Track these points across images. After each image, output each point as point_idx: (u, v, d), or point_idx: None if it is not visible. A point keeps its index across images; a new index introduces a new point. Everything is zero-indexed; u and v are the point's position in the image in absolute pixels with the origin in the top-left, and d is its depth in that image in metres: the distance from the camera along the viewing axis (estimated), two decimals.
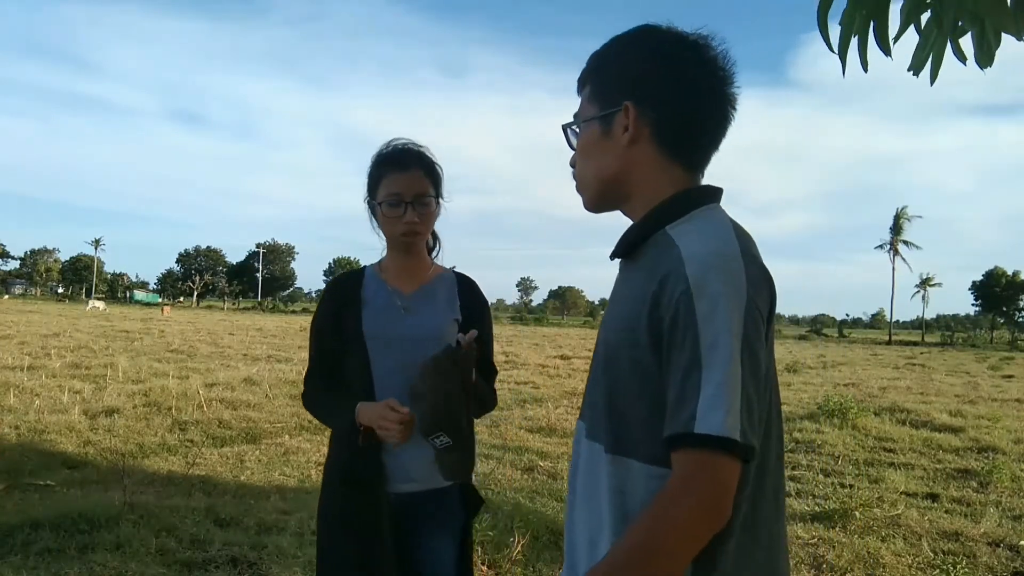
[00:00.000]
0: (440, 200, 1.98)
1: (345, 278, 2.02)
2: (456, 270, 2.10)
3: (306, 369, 2.01)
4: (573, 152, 1.23)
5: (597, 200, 1.20)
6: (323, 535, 1.91)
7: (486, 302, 2.08)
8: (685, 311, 0.98)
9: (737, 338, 0.96)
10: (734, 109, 1.15)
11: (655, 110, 1.11)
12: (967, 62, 1.70)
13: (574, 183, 1.23)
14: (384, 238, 2.00)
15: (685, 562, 0.96)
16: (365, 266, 2.04)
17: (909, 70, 1.74)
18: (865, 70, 1.70)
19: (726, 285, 0.98)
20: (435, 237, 2.08)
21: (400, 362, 1.85)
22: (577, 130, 1.22)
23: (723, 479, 0.94)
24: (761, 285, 1.03)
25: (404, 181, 1.89)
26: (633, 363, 1.05)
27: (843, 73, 1.72)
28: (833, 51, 1.65)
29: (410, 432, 1.72)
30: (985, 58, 1.68)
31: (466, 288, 2.04)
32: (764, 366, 1.00)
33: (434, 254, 2.08)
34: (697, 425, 0.94)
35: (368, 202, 1.98)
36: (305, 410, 2.04)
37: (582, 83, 1.21)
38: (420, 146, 1.97)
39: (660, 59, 1.12)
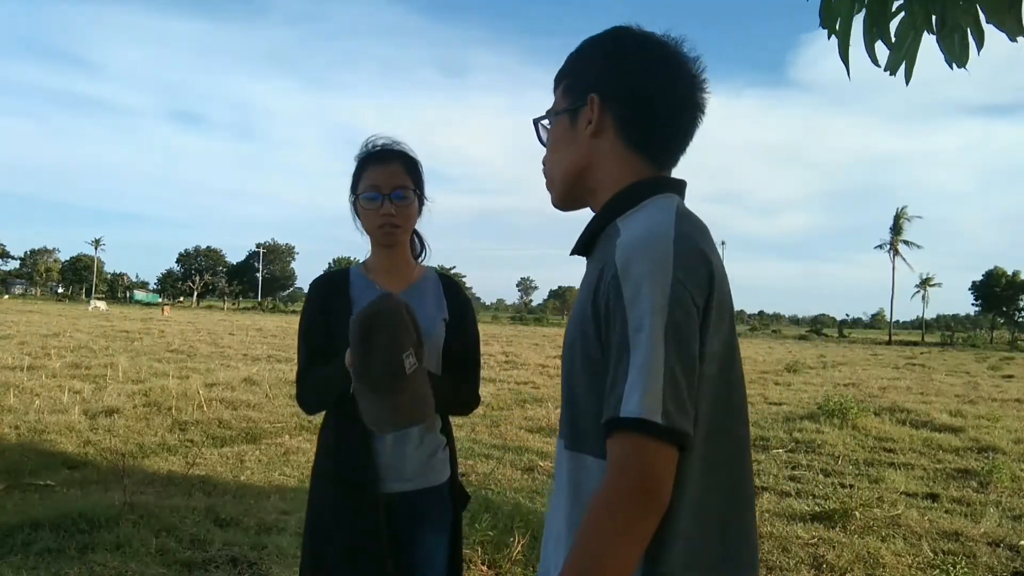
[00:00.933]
0: (423, 198, 1.97)
1: (329, 279, 1.99)
2: (440, 269, 2.09)
3: (297, 370, 1.97)
4: (545, 152, 1.25)
5: (564, 195, 1.21)
6: (315, 536, 1.89)
7: (469, 301, 2.08)
8: (614, 296, 0.98)
9: (660, 317, 0.94)
10: (702, 113, 1.16)
11: (620, 104, 1.12)
12: (942, 61, 1.69)
13: (544, 180, 1.24)
14: (367, 236, 1.98)
15: (634, 552, 0.93)
16: (349, 267, 2.02)
17: (885, 70, 1.74)
18: (875, 63, 1.69)
19: (649, 266, 0.97)
20: (421, 241, 2.06)
21: None
22: (548, 125, 1.23)
23: (650, 462, 0.92)
24: (695, 267, 1.00)
25: (382, 174, 1.90)
26: (584, 357, 1.05)
27: (848, 75, 1.72)
28: (833, 31, 1.65)
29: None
30: (962, 56, 1.67)
31: (450, 287, 2.04)
32: (696, 349, 0.97)
33: (421, 259, 2.07)
34: (622, 408, 0.92)
35: (351, 200, 1.97)
36: (304, 411, 1.99)
37: (557, 81, 1.22)
38: (400, 142, 1.97)
39: (629, 56, 1.13)
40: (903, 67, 1.74)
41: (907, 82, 1.76)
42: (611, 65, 1.14)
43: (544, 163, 1.25)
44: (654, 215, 1.06)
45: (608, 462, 0.95)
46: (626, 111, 1.12)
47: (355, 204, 1.96)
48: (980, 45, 1.67)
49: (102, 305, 57.85)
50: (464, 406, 2.01)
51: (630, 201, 1.10)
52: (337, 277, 1.98)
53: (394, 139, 1.97)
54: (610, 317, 0.99)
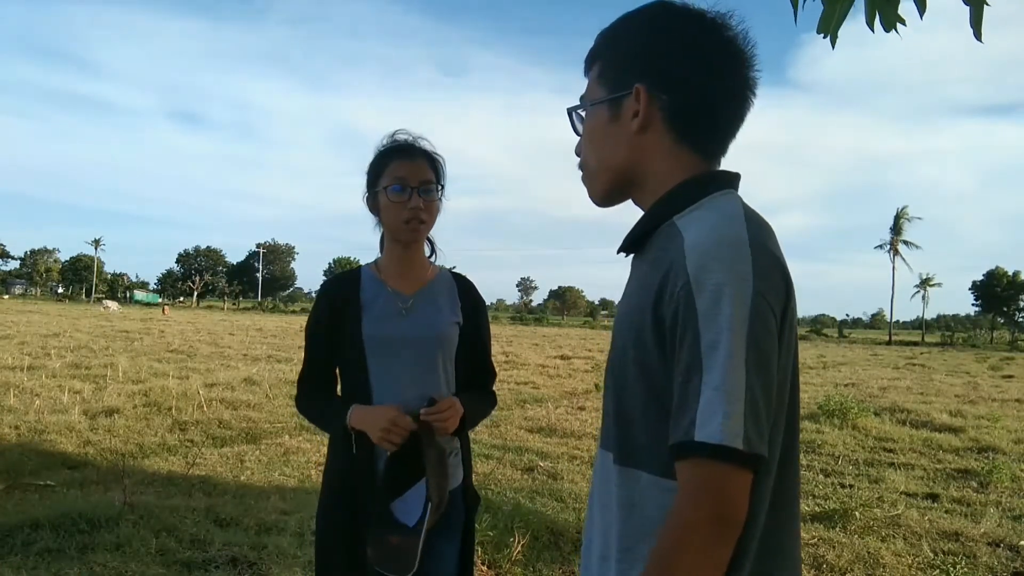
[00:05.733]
0: (442, 195, 1.94)
1: (341, 279, 1.96)
2: (453, 270, 2.06)
3: (300, 372, 1.97)
4: (579, 140, 1.15)
5: (605, 191, 1.11)
6: (324, 536, 1.89)
7: (484, 303, 2.05)
8: (685, 307, 0.90)
9: (740, 335, 0.87)
10: (753, 94, 1.07)
11: (668, 93, 1.03)
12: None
13: (580, 173, 1.14)
14: (384, 233, 1.94)
15: None
16: (361, 266, 1.98)
17: (819, 32, 1.73)
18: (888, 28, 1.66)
19: (728, 276, 0.89)
20: (432, 244, 2.04)
21: (400, 365, 1.83)
22: (583, 114, 1.13)
23: (729, 490, 0.86)
24: (773, 277, 0.93)
25: (409, 168, 1.85)
26: (640, 366, 0.97)
27: (795, 21, 1.70)
28: None
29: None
30: (889, 21, 1.65)
31: (465, 289, 2.00)
32: (776, 367, 0.91)
33: (432, 260, 2.04)
34: (697, 432, 0.86)
35: (368, 195, 1.91)
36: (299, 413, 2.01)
37: (589, 63, 1.12)
38: (425, 139, 1.94)
39: (674, 37, 1.04)
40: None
41: (832, 45, 1.74)
42: (657, 48, 1.04)
43: (578, 153, 1.14)
44: (721, 217, 0.97)
45: (681, 487, 0.89)
46: (674, 100, 1.03)
47: (374, 198, 1.90)
48: (922, 11, 1.62)
49: (113, 305, 58.44)
50: (488, 415, 2.02)
51: (687, 199, 1.02)
52: (347, 278, 1.95)
53: (419, 135, 1.94)
54: (677, 328, 0.91)
